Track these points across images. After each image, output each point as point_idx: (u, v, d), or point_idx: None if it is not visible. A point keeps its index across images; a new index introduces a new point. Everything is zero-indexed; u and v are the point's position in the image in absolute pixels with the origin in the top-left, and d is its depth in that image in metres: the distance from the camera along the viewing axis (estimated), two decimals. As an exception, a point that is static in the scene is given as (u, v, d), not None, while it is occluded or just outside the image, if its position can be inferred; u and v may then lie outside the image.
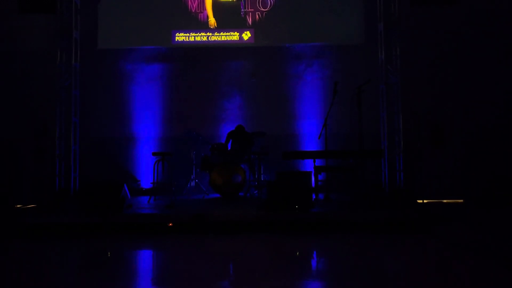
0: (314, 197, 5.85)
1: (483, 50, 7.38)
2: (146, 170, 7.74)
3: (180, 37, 7.94)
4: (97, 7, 7.91)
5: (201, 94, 7.92)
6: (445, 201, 6.87)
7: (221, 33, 7.92)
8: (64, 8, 7.14)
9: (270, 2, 7.94)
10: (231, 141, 7.17)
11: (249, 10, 7.93)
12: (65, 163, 7.03)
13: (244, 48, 7.92)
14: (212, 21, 7.93)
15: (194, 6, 7.99)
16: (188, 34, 7.93)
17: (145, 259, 4.28)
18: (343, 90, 6.40)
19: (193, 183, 7.19)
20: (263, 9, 7.94)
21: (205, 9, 7.96)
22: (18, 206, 6.67)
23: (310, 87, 7.88)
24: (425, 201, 5.94)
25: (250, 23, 7.92)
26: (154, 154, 6.65)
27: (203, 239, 4.63)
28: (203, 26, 7.94)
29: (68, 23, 7.16)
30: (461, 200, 6.92)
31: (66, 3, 7.16)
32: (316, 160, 6.21)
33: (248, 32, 7.90)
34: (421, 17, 7.42)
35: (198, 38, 7.92)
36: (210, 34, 7.92)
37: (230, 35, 7.91)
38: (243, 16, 7.91)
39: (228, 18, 7.93)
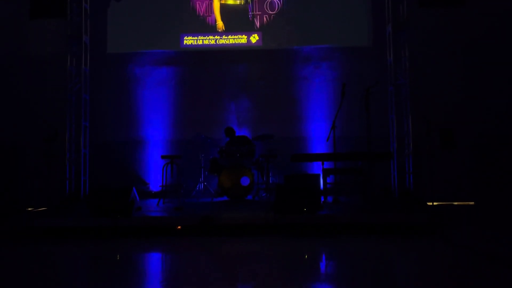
0: (322, 199, 5.84)
1: (493, 52, 7.29)
2: (155, 173, 7.78)
3: (189, 40, 7.98)
4: (107, 12, 8.00)
5: (210, 97, 7.95)
6: (455, 203, 6.80)
7: (229, 36, 7.94)
8: (74, 13, 7.22)
9: (278, 5, 7.95)
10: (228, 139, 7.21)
11: (257, 13, 7.95)
12: (75, 167, 7.09)
13: (252, 51, 7.93)
14: (220, 24, 7.96)
15: (202, 9, 8.03)
16: (196, 38, 7.97)
17: (154, 262, 4.30)
18: (352, 92, 6.39)
19: (201, 186, 7.20)
20: (271, 12, 7.95)
21: (213, 13, 7.99)
22: (29, 209, 6.74)
23: (318, 89, 7.86)
24: (435, 203, 5.88)
25: (258, 26, 7.93)
26: (163, 157, 6.68)
27: (212, 242, 4.64)
28: (211, 29, 7.97)
29: (78, 28, 7.24)
30: (472, 202, 6.83)
31: (76, 8, 7.25)
32: (324, 162, 6.17)
33: (256, 35, 7.91)
34: (430, 18, 7.36)
35: (206, 42, 7.96)
36: (218, 37, 7.95)
37: (238, 38, 7.93)
38: (251, 19, 7.93)
39: (236, 21, 7.95)
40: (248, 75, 7.97)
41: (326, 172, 6.18)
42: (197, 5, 8.03)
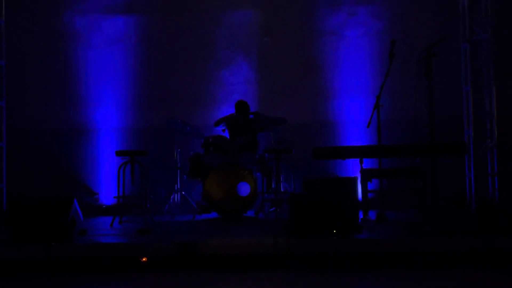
0: (361, 216, 5.85)
1: None
2: (107, 178, 7.84)
3: (157, -25, 7.98)
4: None
5: (189, 61, 7.98)
6: None
7: (219, -31, 7.94)
8: None
9: None
10: (226, 131, 7.23)
11: None
12: (-13, 169, 7.10)
13: (252, -9, 7.97)
14: None
15: None
16: (168, -30, 7.97)
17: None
18: (404, 53, 6.42)
19: (178, 197, 7.24)
20: None
21: None
22: None
23: (353, 49, 7.91)
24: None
25: (262, -48, 7.93)
26: (118, 153, 6.66)
27: (194, 281, 4.62)
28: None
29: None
30: None
31: None
32: (364, 160, 6.17)
33: (259, -35, 7.93)
34: None
35: (183, -24, 7.95)
36: (202, -30, 7.94)
37: (232, -31, 7.94)
38: None
39: None
40: (247, 29, 7.99)
41: (366, 175, 6.18)
42: None
